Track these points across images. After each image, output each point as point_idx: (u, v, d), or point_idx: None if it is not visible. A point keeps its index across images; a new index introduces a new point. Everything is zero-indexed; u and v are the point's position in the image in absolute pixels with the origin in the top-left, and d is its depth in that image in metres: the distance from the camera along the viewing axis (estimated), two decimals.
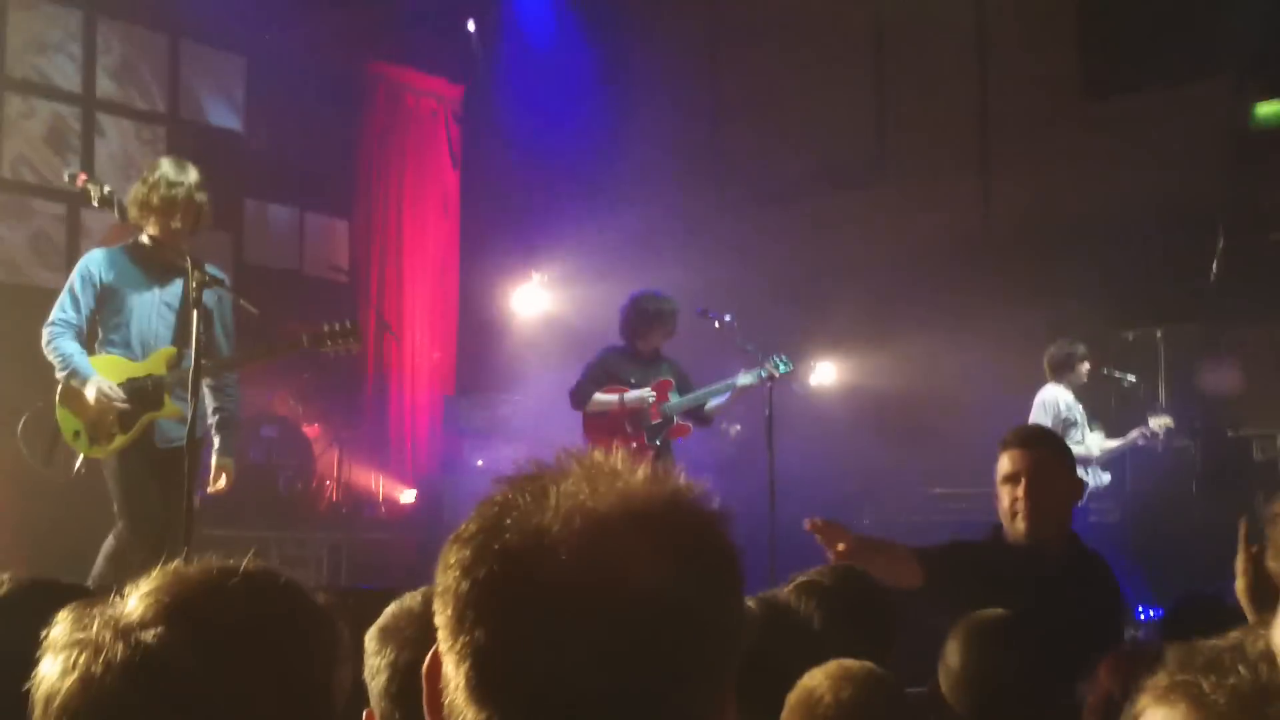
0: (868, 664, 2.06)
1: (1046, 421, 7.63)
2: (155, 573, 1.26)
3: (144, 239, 5.13)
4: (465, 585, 0.96)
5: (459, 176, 10.70)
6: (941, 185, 9.39)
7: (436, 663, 1.01)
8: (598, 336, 7.80)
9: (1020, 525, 3.54)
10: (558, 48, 10.35)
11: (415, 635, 1.84)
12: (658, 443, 7.04)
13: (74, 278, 5.16)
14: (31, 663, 1.22)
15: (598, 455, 1.02)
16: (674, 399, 7.14)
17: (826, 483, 7.87)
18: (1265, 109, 8.25)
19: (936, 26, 9.47)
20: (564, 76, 10.17)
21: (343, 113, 9.98)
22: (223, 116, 9.52)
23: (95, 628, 1.21)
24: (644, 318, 7.15)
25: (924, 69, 9.49)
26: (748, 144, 10.10)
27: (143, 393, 5.02)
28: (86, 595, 1.66)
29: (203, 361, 4.65)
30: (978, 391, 8.13)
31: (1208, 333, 8.38)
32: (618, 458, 1.02)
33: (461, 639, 0.95)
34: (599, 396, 7.05)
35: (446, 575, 0.98)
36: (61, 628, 1.22)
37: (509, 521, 0.96)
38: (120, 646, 1.18)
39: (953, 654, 2.57)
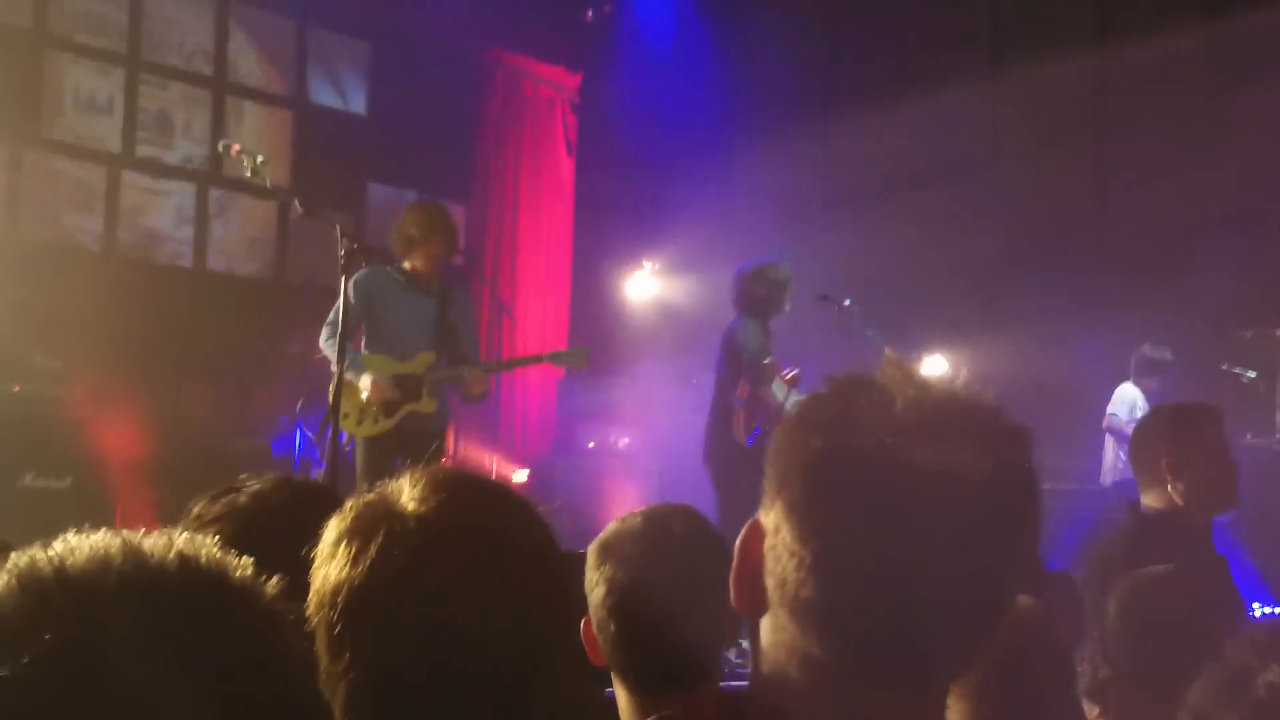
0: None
1: (1123, 415, 7.71)
2: (416, 472, 1.37)
3: (405, 265, 6.10)
4: (820, 476, 1.03)
5: (574, 164, 10.85)
6: (1055, 177, 9.27)
7: (758, 535, 1.08)
8: (707, 323, 7.82)
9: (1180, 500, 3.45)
10: (673, 38, 10.43)
11: (633, 554, 1.95)
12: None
13: (350, 288, 5.86)
14: (297, 553, 1.32)
15: (918, 368, 1.11)
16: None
17: None
18: None
19: (1054, 17, 9.36)
20: (679, 67, 10.24)
21: (462, 98, 10.16)
22: (347, 101, 9.77)
23: (378, 511, 1.32)
24: (776, 287, 6.81)
25: (1041, 62, 9.37)
26: (859, 135, 10.06)
27: (405, 387, 5.93)
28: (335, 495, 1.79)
29: (454, 366, 5.98)
30: (1091, 385, 8.02)
31: None
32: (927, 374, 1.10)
33: (814, 516, 1.02)
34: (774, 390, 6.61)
35: (798, 455, 1.05)
36: (343, 516, 1.33)
37: (866, 415, 1.03)
38: (405, 522, 1.30)
39: (1111, 609, 2.59)
